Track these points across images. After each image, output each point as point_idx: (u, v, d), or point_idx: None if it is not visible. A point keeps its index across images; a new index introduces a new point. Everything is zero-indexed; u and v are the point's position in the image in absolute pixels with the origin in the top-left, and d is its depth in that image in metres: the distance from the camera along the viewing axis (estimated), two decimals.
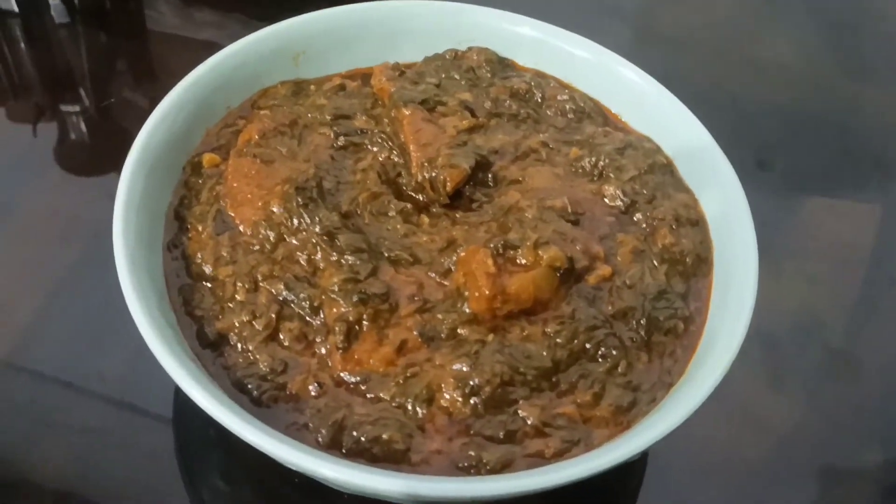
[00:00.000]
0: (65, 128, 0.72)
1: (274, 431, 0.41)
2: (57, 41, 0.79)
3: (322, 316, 0.46)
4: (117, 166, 0.49)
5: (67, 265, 0.60)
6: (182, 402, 0.53)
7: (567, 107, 0.58)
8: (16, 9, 0.77)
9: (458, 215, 0.52)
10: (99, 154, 0.70)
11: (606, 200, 0.53)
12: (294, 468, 0.41)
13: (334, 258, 0.47)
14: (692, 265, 0.51)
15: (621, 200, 0.52)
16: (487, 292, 0.46)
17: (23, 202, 0.65)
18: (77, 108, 0.74)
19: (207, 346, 0.45)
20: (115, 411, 0.54)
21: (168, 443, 0.53)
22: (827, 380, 0.61)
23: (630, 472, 0.55)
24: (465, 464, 0.42)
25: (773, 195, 0.72)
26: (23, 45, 0.77)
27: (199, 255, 0.48)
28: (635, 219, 0.52)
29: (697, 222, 0.52)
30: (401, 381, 0.44)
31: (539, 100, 0.58)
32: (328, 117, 0.54)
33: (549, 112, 0.58)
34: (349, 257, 0.47)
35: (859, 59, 0.86)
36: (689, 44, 0.86)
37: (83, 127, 0.73)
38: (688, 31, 0.87)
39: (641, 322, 0.47)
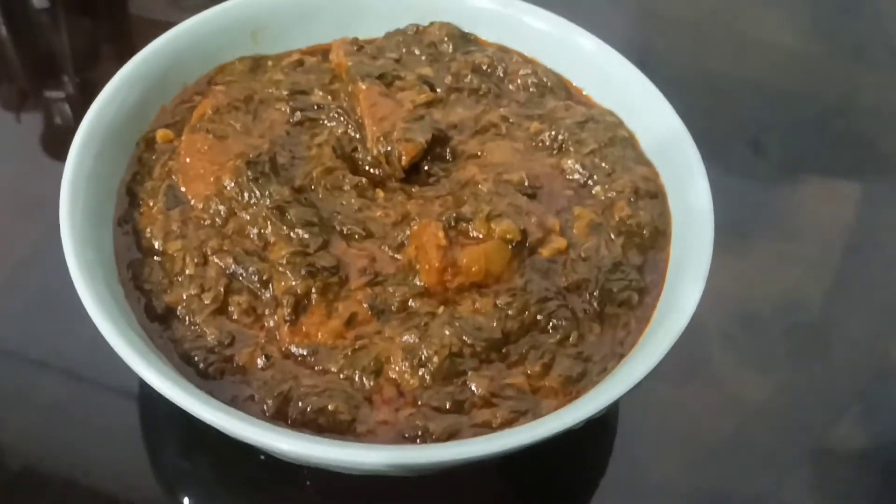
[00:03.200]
0: (50, 114, 0.72)
1: (217, 402, 0.41)
2: (38, 27, 0.78)
3: (272, 290, 0.46)
4: None
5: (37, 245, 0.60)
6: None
7: (529, 81, 0.57)
8: None
9: (413, 190, 0.51)
10: None
11: (565, 174, 0.52)
12: (238, 439, 0.41)
13: (284, 232, 0.47)
14: (649, 238, 0.50)
15: (580, 174, 0.52)
16: (438, 265, 0.46)
17: (8, 187, 0.65)
18: (62, 95, 0.73)
19: (155, 320, 0.45)
20: (80, 387, 0.54)
21: (134, 418, 0.53)
22: (805, 358, 0.61)
23: (599, 447, 0.55)
24: (411, 433, 0.42)
25: (759, 177, 0.71)
26: (4, 31, 0.77)
27: (149, 230, 0.48)
28: (594, 192, 0.52)
29: (657, 195, 0.52)
30: (349, 354, 0.44)
31: (501, 74, 0.58)
32: (285, 93, 0.54)
33: (510, 87, 0.57)
34: (299, 231, 0.47)
35: (853, 40, 0.84)
36: (672, 21, 0.84)
37: (69, 112, 0.72)
38: (670, 8, 0.85)
39: (594, 294, 0.47)
